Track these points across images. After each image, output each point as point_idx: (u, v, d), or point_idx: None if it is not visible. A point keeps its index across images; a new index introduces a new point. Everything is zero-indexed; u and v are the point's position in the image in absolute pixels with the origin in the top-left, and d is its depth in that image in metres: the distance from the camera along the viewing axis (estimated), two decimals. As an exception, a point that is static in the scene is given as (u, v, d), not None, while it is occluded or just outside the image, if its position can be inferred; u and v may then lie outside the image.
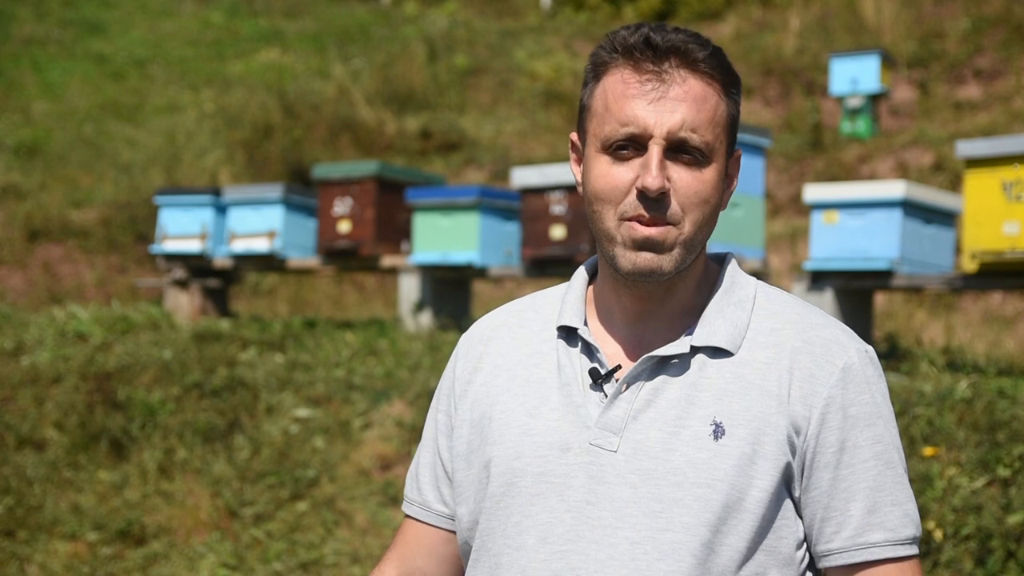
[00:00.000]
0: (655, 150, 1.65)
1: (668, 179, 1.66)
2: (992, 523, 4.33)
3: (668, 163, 1.66)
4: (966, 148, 5.77)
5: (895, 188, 6.10)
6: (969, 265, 5.72)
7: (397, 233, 8.11)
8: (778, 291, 1.80)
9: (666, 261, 1.67)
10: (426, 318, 7.74)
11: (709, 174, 1.68)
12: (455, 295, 7.97)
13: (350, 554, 5.42)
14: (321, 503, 5.77)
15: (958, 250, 7.08)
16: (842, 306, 6.25)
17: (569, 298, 1.80)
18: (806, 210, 9.44)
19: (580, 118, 1.75)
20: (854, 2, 14.60)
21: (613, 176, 1.67)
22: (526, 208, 7.30)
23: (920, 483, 4.58)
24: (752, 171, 6.70)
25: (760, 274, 6.62)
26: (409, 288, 7.84)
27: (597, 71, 1.72)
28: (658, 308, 1.74)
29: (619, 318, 1.76)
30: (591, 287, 1.83)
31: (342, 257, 8.19)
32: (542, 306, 1.85)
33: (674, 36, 1.68)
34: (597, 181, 1.69)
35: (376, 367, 6.79)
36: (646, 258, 1.67)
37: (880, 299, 9.00)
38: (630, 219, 1.67)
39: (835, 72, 11.85)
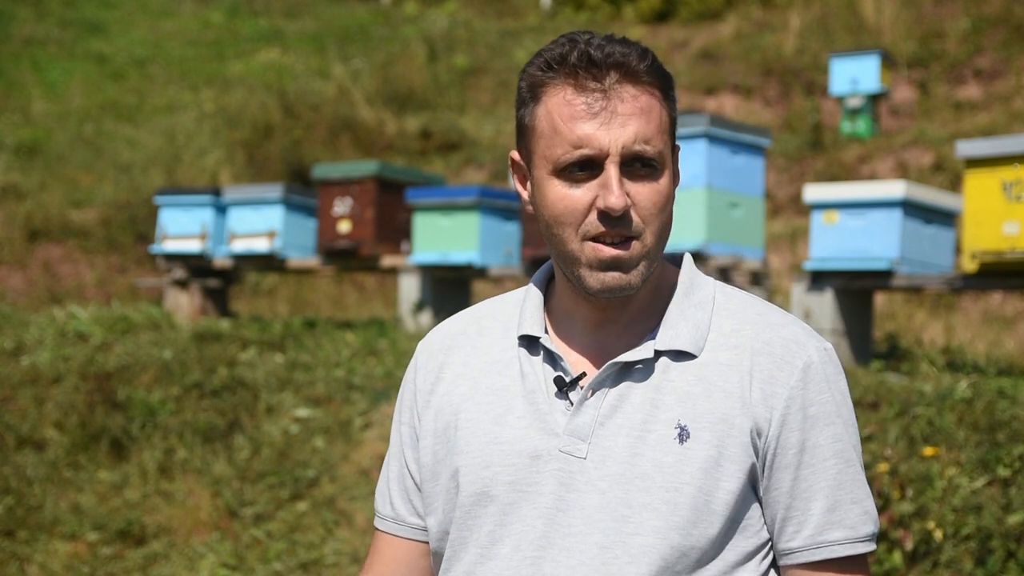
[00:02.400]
0: (612, 169, 1.64)
1: (627, 194, 1.65)
2: (992, 523, 4.33)
3: (624, 178, 1.66)
4: (966, 148, 5.77)
5: (895, 188, 6.10)
6: (969, 265, 5.72)
7: (397, 233, 8.12)
8: (736, 290, 1.80)
9: (634, 277, 1.68)
10: (426, 318, 7.74)
11: (664, 182, 1.68)
12: (455, 295, 7.97)
13: (350, 554, 5.42)
14: (321, 503, 5.77)
15: (958, 250, 7.08)
16: (842, 306, 6.25)
17: (527, 307, 1.80)
18: (806, 210, 9.44)
19: (522, 137, 1.73)
20: (854, 2, 14.60)
21: (571, 199, 1.66)
22: (526, 208, 7.29)
23: (920, 483, 4.59)
24: (752, 171, 6.69)
25: (760, 274, 6.62)
26: (409, 288, 7.84)
27: (535, 91, 1.69)
28: (619, 315, 1.74)
29: (580, 326, 1.76)
30: (549, 293, 1.82)
31: (342, 257, 8.20)
32: (500, 313, 1.85)
33: (612, 49, 1.66)
34: (555, 205, 1.68)
35: (376, 367, 6.79)
36: (614, 277, 1.67)
37: (880, 299, 9.00)
38: (593, 239, 1.66)
39: (835, 72, 11.85)
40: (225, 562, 5.54)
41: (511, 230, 7.75)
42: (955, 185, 10.04)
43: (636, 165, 1.66)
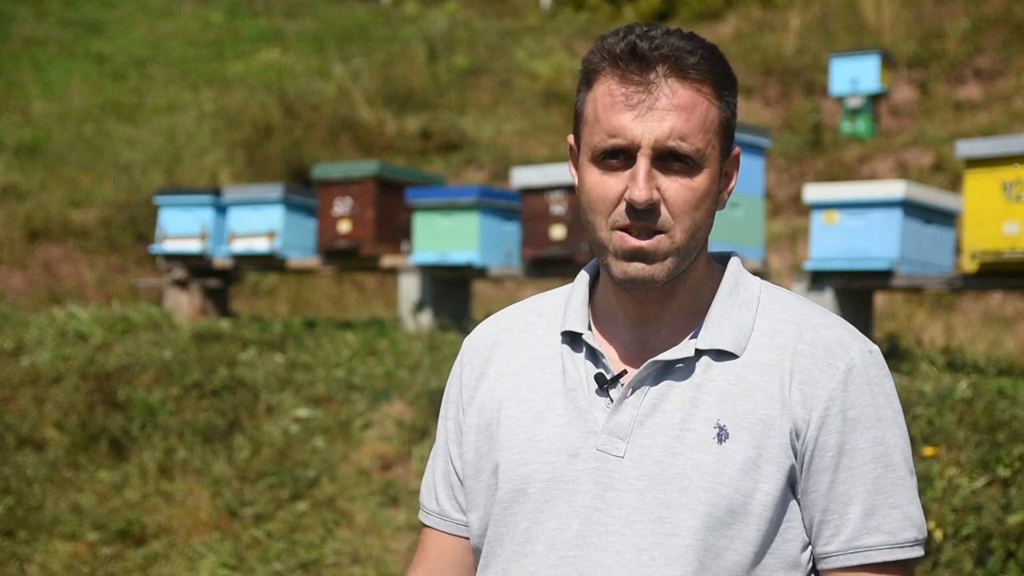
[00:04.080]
0: (642, 162, 1.64)
1: (658, 188, 1.65)
2: (992, 523, 4.33)
3: (658, 172, 1.66)
4: (966, 148, 5.77)
5: (895, 188, 6.10)
6: (969, 265, 5.72)
7: (397, 233, 8.11)
8: (783, 291, 1.79)
9: (658, 270, 1.67)
10: (426, 318, 7.74)
11: (700, 180, 1.67)
12: (455, 295, 7.97)
13: (350, 554, 5.42)
14: (321, 503, 5.77)
15: (958, 250, 7.08)
16: (842, 306, 6.25)
17: (572, 303, 1.80)
18: (806, 210, 9.44)
19: (575, 123, 1.75)
20: (854, 2, 14.60)
21: (604, 187, 1.67)
22: (526, 208, 7.30)
23: (920, 483, 4.59)
24: (752, 171, 6.69)
25: (760, 274, 6.61)
26: (409, 288, 7.84)
27: (588, 78, 1.71)
28: (661, 311, 1.74)
29: (622, 322, 1.76)
30: (594, 291, 1.82)
31: (342, 257, 8.19)
32: (545, 310, 1.85)
33: (663, 42, 1.66)
34: (590, 192, 1.69)
35: (376, 367, 6.79)
36: (637, 268, 1.67)
37: (880, 299, 9.00)
38: (620, 229, 1.66)
39: (835, 72, 11.85)
40: (225, 562, 5.54)
41: (511, 230, 7.75)
42: (955, 185, 10.04)
43: (671, 160, 1.65)
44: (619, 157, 1.66)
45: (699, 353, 1.70)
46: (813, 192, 6.35)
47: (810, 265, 6.29)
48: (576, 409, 1.72)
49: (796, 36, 14.56)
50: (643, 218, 1.65)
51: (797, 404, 1.66)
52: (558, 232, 7.13)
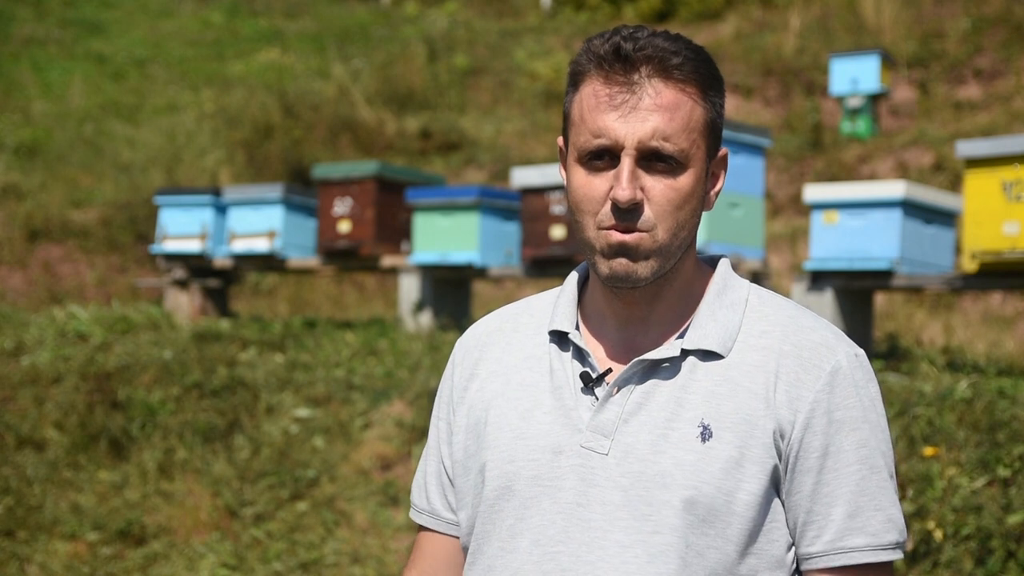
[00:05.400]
0: (626, 161, 1.66)
1: (642, 188, 1.67)
2: (992, 523, 4.33)
3: (642, 172, 1.67)
4: (966, 148, 5.77)
5: (895, 188, 6.10)
6: (969, 265, 5.73)
7: (397, 233, 8.12)
8: (771, 294, 1.80)
9: (641, 268, 1.68)
10: (426, 318, 7.74)
11: (684, 180, 1.68)
12: (455, 295, 7.97)
13: (350, 554, 5.42)
14: (321, 503, 5.77)
15: (958, 250, 7.08)
16: (842, 306, 6.25)
17: (561, 303, 1.82)
18: (806, 210, 9.44)
19: (563, 125, 1.77)
20: (854, 2, 14.60)
21: (590, 187, 1.69)
22: (526, 208, 7.30)
23: (920, 483, 4.59)
24: (752, 171, 6.69)
25: (760, 274, 6.61)
26: (409, 288, 7.84)
27: (575, 80, 1.73)
28: (648, 312, 1.75)
29: (610, 322, 1.77)
30: (584, 291, 1.84)
31: (342, 257, 8.20)
32: (536, 311, 1.86)
33: (647, 43, 1.67)
34: (576, 192, 1.71)
35: (376, 367, 6.79)
36: (621, 264, 1.68)
37: (880, 299, 9.00)
38: (606, 228, 1.68)
39: (835, 72, 11.85)
40: (225, 562, 5.54)
41: (511, 230, 7.75)
42: (955, 185, 10.04)
43: (655, 160, 1.67)
44: (604, 157, 1.68)
45: (685, 353, 1.72)
46: (813, 192, 6.35)
47: (810, 265, 6.29)
48: (562, 407, 1.73)
49: (796, 36, 14.55)
50: (627, 217, 1.67)
51: (782, 405, 1.67)
52: (558, 232, 7.13)
